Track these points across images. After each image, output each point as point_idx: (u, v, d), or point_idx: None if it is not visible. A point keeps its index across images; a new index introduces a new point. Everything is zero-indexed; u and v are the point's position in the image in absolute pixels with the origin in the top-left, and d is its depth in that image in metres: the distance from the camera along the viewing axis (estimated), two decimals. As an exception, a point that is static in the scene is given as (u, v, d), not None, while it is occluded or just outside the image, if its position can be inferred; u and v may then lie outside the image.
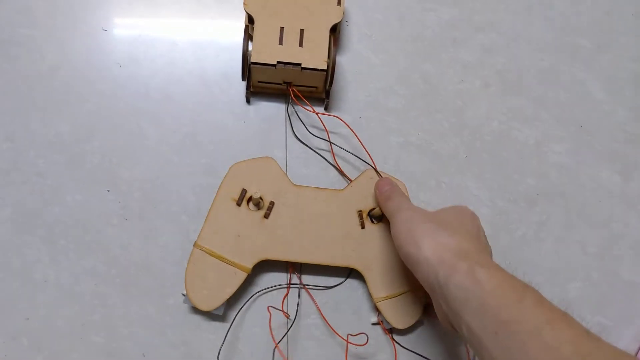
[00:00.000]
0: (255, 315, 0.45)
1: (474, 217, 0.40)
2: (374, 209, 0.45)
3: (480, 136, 0.50)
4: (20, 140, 0.47)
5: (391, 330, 0.46)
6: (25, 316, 0.45)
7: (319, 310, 0.46)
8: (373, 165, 0.47)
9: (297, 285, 0.46)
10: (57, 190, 0.47)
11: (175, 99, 0.49)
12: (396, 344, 0.45)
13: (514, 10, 0.53)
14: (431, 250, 0.35)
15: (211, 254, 0.43)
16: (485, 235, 0.40)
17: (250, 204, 0.44)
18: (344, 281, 0.47)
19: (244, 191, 0.44)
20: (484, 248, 0.38)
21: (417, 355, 0.46)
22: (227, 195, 0.44)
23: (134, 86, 0.49)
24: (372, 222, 0.45)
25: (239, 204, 0.44)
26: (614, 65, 0.53)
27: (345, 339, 0.43)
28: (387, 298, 0.44)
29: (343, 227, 0.45)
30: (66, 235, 0.46)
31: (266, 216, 0.44)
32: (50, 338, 0.44)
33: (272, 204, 0.44)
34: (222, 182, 0.44)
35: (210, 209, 0.44)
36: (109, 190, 0.47)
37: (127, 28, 0.51)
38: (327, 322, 0.45)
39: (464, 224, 0.38)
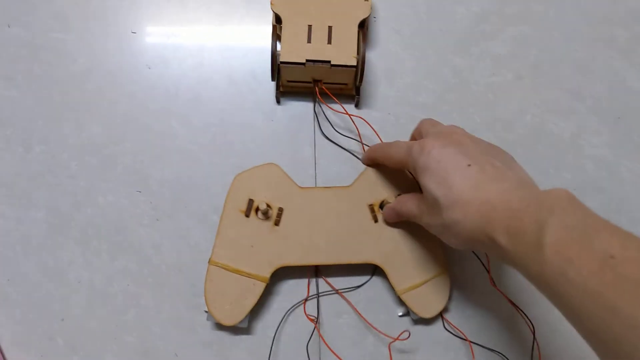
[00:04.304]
0: (291, 327, 0.45)
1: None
2: (385, 200, 0.44)
3: (514, 130, 0.49)
4: (53, 143, 0.48)
5: (417, 322, 0.45)
6: (61, 317, 0.45)
7: (355, 309, 0.45)
8: None
9: (330, 292, 0.46)
10: (89, 192, 0.47)
11: (205, 99, 0.49)
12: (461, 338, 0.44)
13: (545, 0, 0.52)
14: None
15: (227, 269, 0.42)
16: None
17: (259, 213, 0.43)
18: (370, 279, 0.46)
19: (250, 201, 0.43)
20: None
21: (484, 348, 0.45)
22: (235, 208, 0.43)
23: (164, 87, 0.49)
24: None
25: (247, 215, 0.43)
26: (652, 54, 0.51)
27: (387, 335, 0.43)
28: (411, 289, 0.43)
29: (356, 224, 0.44)
30: (99, 236, 0.46)
31: (276, 223, 0.43)
32: (85, 338, 0.45)
33: (280, 210, 0.43)
34: (227, 195, 0.43)
35: (219, 224, 0.43)
36: (140, 192, 0.47)
37: (156, 31, 0.51)
38: (365, 319, 0.45)
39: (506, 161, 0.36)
